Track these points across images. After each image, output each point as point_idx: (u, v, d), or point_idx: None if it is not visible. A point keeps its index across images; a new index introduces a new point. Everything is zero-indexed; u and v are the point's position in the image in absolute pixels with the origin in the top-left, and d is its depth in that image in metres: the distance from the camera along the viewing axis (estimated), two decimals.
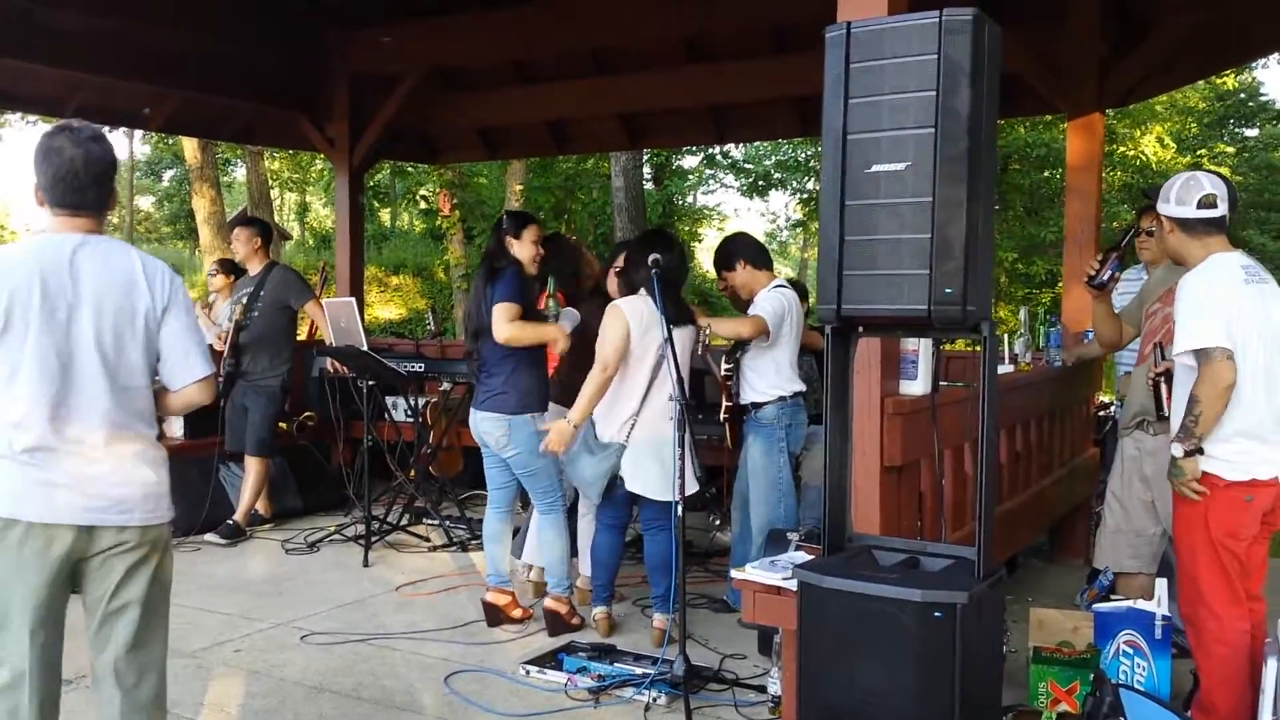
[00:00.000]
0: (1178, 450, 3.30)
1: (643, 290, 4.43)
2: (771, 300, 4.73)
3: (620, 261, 4.86)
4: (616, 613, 4.87)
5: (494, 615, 4.75)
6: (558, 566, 4.70)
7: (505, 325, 4.47)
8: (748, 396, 4.80)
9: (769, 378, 4.73)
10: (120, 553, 2.69)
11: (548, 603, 4.68)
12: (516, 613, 4.78)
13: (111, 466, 2.66)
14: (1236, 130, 25.59)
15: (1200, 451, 3.27)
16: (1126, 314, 4.55)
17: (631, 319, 4.38)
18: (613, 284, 4.98)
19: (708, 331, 4.61)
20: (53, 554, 2.60)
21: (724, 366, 4.97)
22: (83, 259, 2.66)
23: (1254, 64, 22.73)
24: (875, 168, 2.77)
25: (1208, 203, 3.32)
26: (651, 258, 4.30)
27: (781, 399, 4.71)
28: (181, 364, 2.77)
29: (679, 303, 4.50)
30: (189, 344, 2.78)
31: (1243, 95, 25.05)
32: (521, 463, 4.64)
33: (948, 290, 2.66)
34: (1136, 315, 4.43)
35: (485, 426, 4.64)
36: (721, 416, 5.06)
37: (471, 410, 4.74)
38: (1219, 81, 23.08)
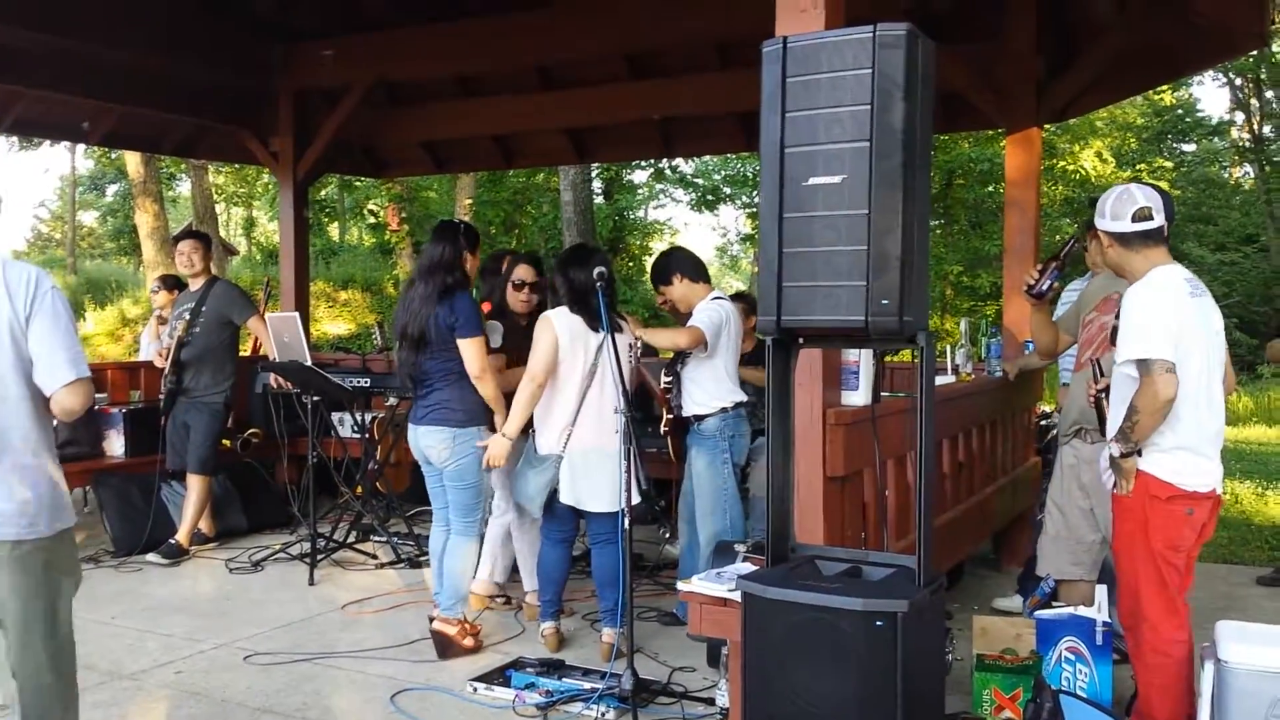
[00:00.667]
0: (1115, 450, 3.35)
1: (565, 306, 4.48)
2: (709, 311, 4.76)
3: (520, 274, 5.09)
4: (565, 627, 4.85)
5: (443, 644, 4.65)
6: (459, 589, 4.63)
7: (480, 363, 4.50)
8: (689, 409, 4.82)
9: (709, 389, 4.75)
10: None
11: (437, 624, 4.59)
12: (468, 642, 4.68)
13: None
14: (1174, 145, 26.16)
15: (1138, 454, 3.33)
16: (1063, 321, 4.62)
17: (560, 331, 4.40)
18: (513, 298, 5.06)
19: (638, 345, 4.67)
20: None
21: (663, 379, 4.99)
22: None
23: (1190, 81, 23.33)
24: (812, 180, 2.80)
25: (1143, 216, 3.36)
26: (597, 270, 4.30)
27: (724, 410, 4.73)
28: (47, 369, 2.74)
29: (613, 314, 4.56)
30: (54, 348, 2.74)
31: (1180, 111, 25.63)
32: (458, 476, 4.58)
33: (884, 301, 2.69)
34: (1073, 323, 4.51)
35: (428, 440, 4.56)
36: (662, 429, 5.07)
37: (410, 426, 4.65)
38: (1157, 98, 23.62)
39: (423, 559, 6.04)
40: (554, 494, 4.48)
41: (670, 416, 4.96)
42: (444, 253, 4.55)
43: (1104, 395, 3.61)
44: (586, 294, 4.38)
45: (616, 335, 4.36)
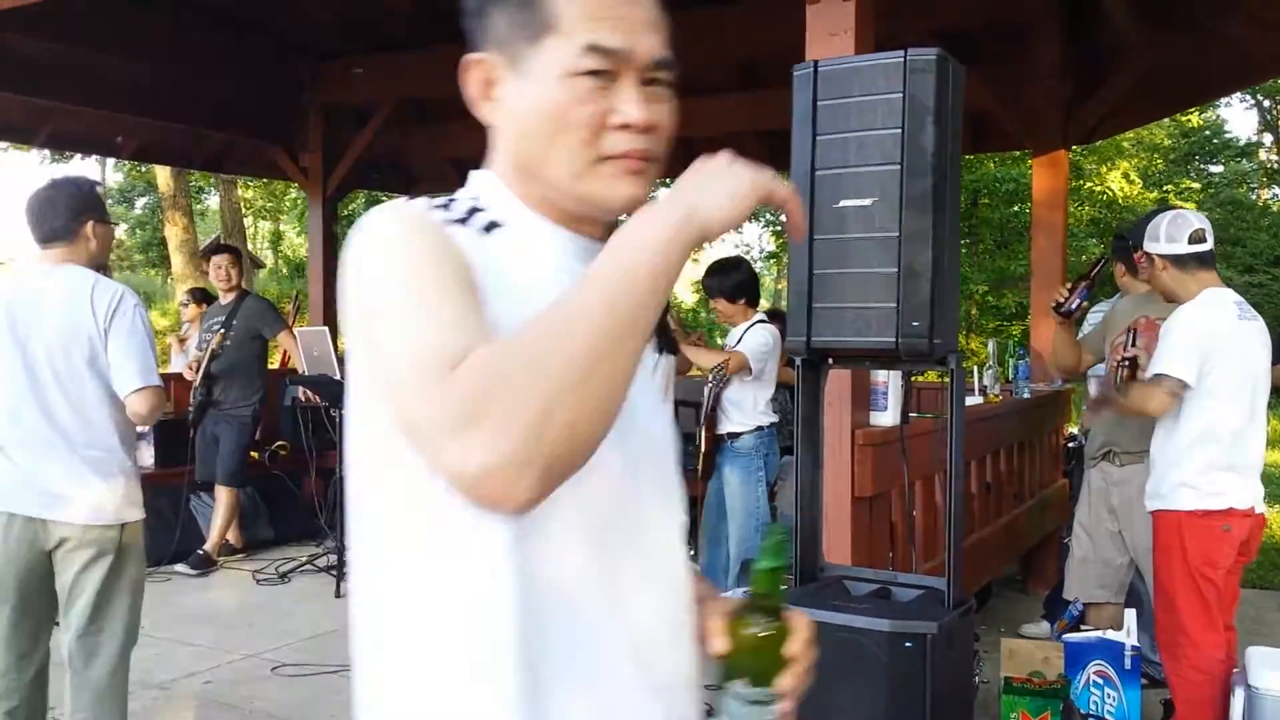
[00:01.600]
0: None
1: None
2: (758, 338, 4.84)
3: None
4: None
5: None
6: None
7: None
8: (725, 427, 4.87)
9: (748, 410, 4.81)
10: (74, 548, 3.05)
11: None
12: None
13: (64, 469, 3.03)
14: (1201, 167, 26.01)
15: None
16: (1088, 341, 4.61)
17: None
18: None
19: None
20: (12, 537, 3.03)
21: (707, 400, 5.05)
22: (46, 287, 3.12)
23: (1217, 102, 23.21)
24: (842, 203, 2.81)
25: (1197, 238, 3.39)
26: None
27: (759, 429, 4.78)
28: (120, 376, 3.09)
29: (665, 330, 4.57)
30: (127, 357, 3.09)
31: (1207, 133, 25.49)
32: None
33: (915, 323, 2.70)
34: (1098, 343, 4.50)
35: None
36: (703, 448, 5.11)
37: None
38: (1184, 119, 23.49)
39: None
40: None
41: (709, 434, 5.02)
42: None
43: (1128, 362, 3.63)
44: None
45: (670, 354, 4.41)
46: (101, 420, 3.11)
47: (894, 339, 2.73)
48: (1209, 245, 3.42)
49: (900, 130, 2.70)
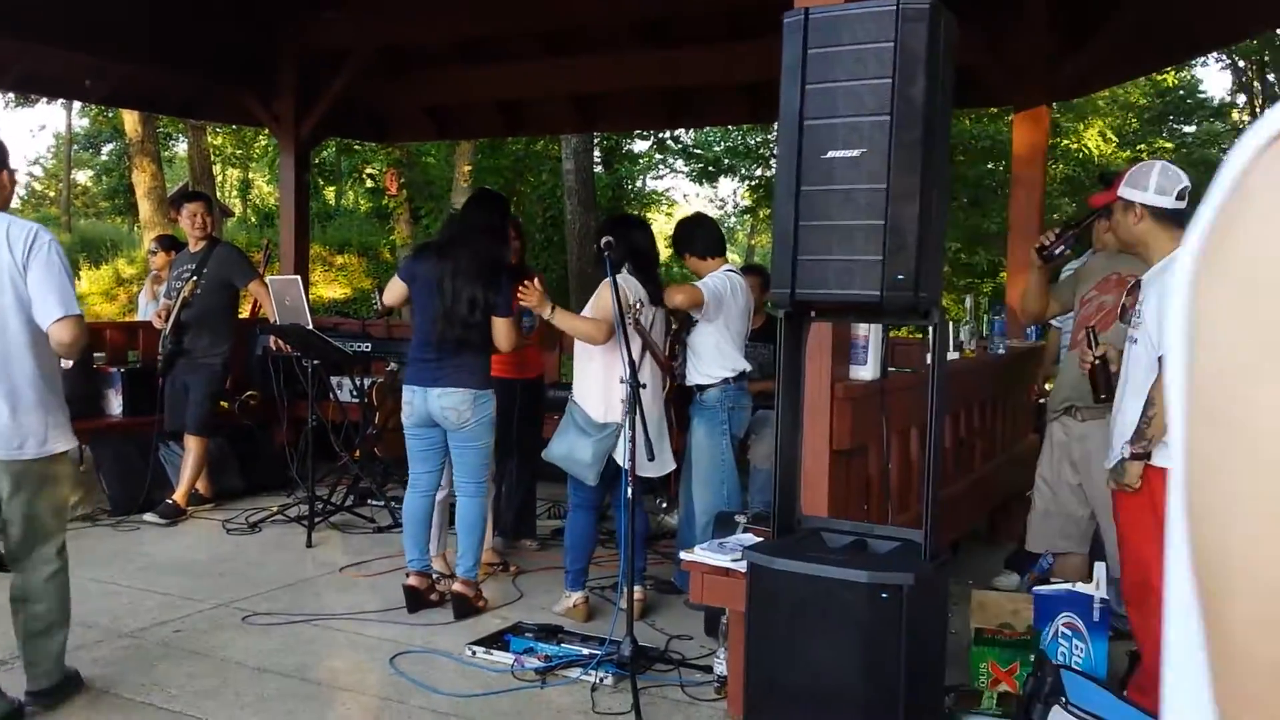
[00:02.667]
0: (1127, 452, 3.31)
1: (626, 268, 4.49)
2: (713, 278, 4.75)
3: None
4: (561, 594, 4.90)
5: (416, 599, 4.71)
6: (475, 549, 4.68)
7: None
8: (692, 379, 4.82)
9: (712, 359, 4.74)
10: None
11: (457, 586, 4.65)
12: (434, 596, 4.76)
13: None
14: (1175, 126, 26.09)
15: (1148, 456, 3.27)
16: (1057, 291, 4.60)
17: (629, 296, 4.40)
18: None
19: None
20: None
21: (669, 346, 5.00)
22: None
23: (1193, 62, 23.24)
24: (830, 154, 2.78)
25: (1184, 195, 3.33)
26: (604, 240, 4.31)
27: (725, 380, 4.72)
28: (41, 308, 3.27)
29: (656, 282, 4.64)
30: (47, 290, 3.27)
31: (1182, 92, 25.55)
32: (475, 435, 4.61)
33: (900, 276, 2.69)
34: (1067, 295, 4.50)
35: (448, 401, 4.55)
36: (665, 396, 5.07)
37: (417, 388, 4.62)
38: (1159, 78, 23.51)
39: None
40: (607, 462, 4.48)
41: (673, 385, 4.96)
42: (498, 220, 4.64)
43: (1099, 364, 3.61)
44: (649, 260, 4.58)
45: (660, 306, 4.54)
46: (23, 356, 3.29)
47: (879, 292, 2.71)
48: (1187, 205, 3.39)
49: (891, 80, 2.67)
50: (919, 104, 2.68)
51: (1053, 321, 5.26)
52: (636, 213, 24.60)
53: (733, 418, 4.78)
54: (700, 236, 4.96)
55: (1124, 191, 3.41)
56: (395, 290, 4.81)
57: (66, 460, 3.53)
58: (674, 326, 4.96)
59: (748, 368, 4.81)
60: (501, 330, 4.58)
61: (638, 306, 4.43)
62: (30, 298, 3.26)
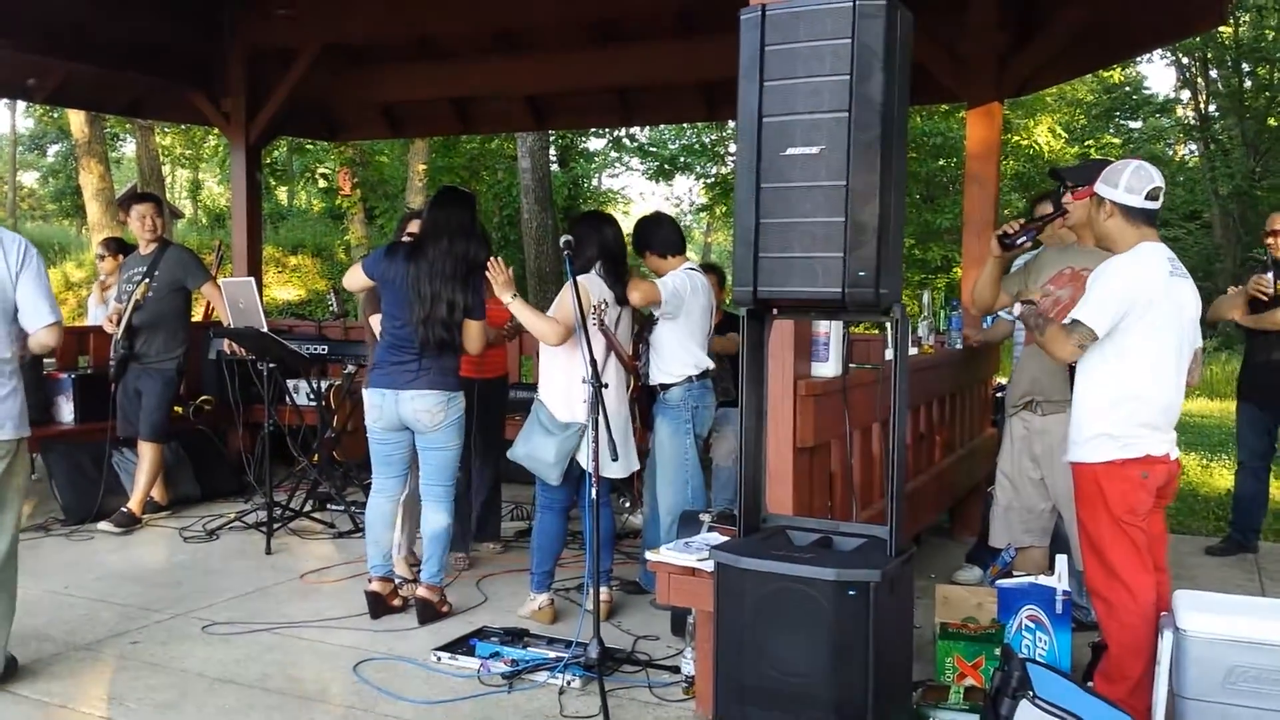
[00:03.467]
0: (1018, 310, 3.81)
1: (596, 269, 4.49)
2: (672, 276, 4.74)
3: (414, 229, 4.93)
4: (526, 597, 4.87)
5: (379, 605, 4.66)
6: (440, 556, 4.63)
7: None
8: (655, 377, 4.81)
9: (676, 356, 4.72)
10: None
11: (421, 591, 4.60)
12: (397, 601, 4.71)
13: None
14: (1122, 122, 26.51)
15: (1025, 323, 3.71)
16: (1007, 283, 4.64)
17: (593, 298, 4.39)
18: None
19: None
20: None
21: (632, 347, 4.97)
22: None
23: (1138, 59, 23.62)
24: (790, 151, 2.79)
25: (1154, 195, 3.40)
26: (564, 239, 4.29)
27: (689, 379, 4.71)
28: (33, 313, 3.76)
29: (623, 281, 4.60)
30: (38, 298, 3.77)
31: (1127, 89, 25.97)
32: (446, 439, 4.55)
33: (861, 273, 2.70)
34: (1016, 287, 4.54)
35: (421, 404, 4.48)
36: (629, 395, 5.05)
37: (386, 391, 4.53)
38: (1106, 75, 23.89)
39: None
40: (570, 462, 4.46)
41: (637, 384, 4.94)
42: (470, 220, 4.56)
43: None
44: (618, 260, 4.56)
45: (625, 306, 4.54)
46: (4, 352, 3.75)
47: (840, 289, 2.72)
48: (1159, 205, 3.44)
49: (849, 77, 2.68)
50: (877, 101, 2.69)
51: (1002, 313, 5.30)
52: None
53: (697, 416, 4.77)
54: (660, 235, 4.93)
55: (1098, 188, 3.48)
56: (356, 279, 4.68)
57: (25, 445, 3.94)
58: (637, 326, 4.94)
59: (711, 365, 4.80)
60: (474, 333, 4.54)
61: (602, 306, 4.41)
62: (17, 302, 3.74)
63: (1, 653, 3.82)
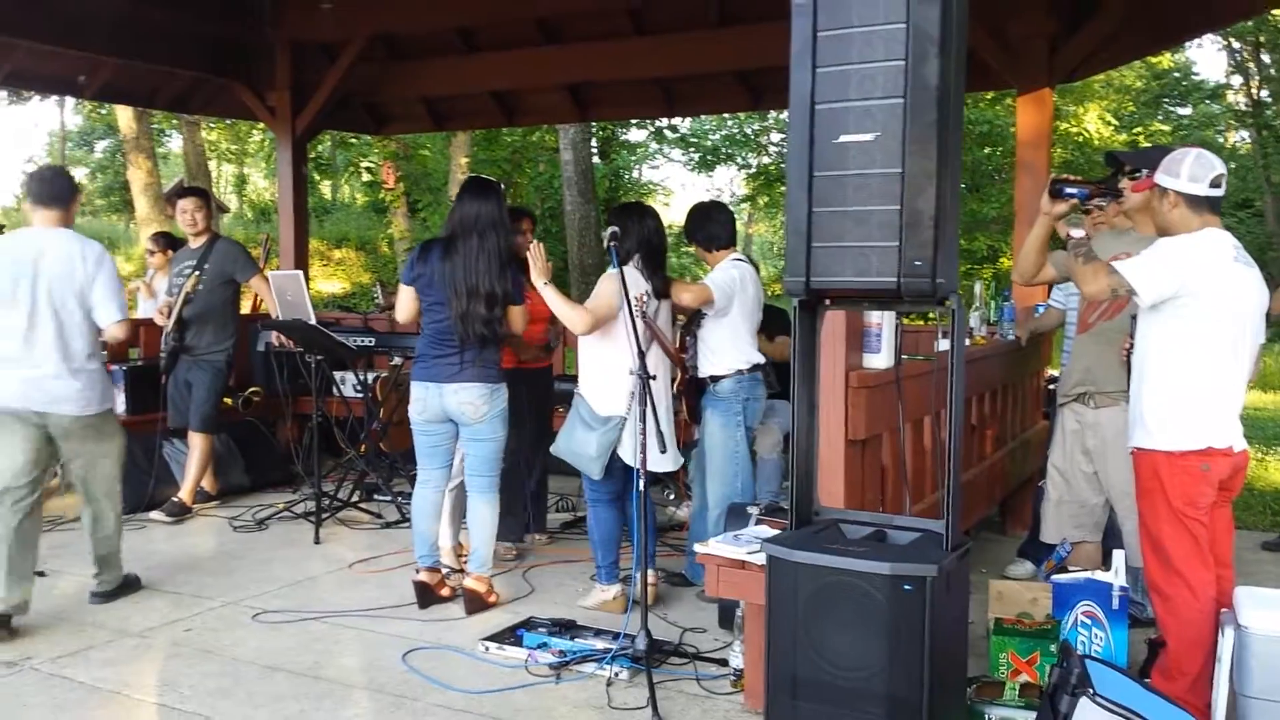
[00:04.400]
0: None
1: (634, 261, 4.46)
2: (722, 271, 4.72)
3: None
4: (576, 588, 4.87)
5: (426, 595, 4.67)
6: (486, 545, 4.65)
7: (522, 326, 4.68)
8: (705, 370, 4.78)
9: (726, 350, 4.70)
10: (68, 432, 4.48)
11: (468, 582, 4.62)
12: (445, 591, 4.73)
13: (61, 378, 4.40)
14: (1171, 109, 26.04)
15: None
16: (1054, 258, 4.53)
17: (631, 290, 4.33)
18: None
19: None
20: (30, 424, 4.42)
21: (681, 338, 4.95)
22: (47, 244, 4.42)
23: (1188, 44, 23.18)
24: (843, 138, 2.74)
25: (1217, 183, 3.33)
26: (609, 231, 4.27)
27: (739, 372, 4.69)
28: (105, 311, 4.46)
29: (662, 276, 4.59)
30: (109, 297, 4.46)
31: (1177, 74, 25.50)
32: (490, 430, 4.57)
33: (917, 262, 2.65)
34: (1064, 265, 4.44)
35: (464, 396, 4.50)
36: (675, 389, 5.03)
37: (430, 384, 4.55)
38: (1154, 61, 23.47)
39: None
40: (612, 455, 4.46)
41: (684, 377, 4.92)
42: (496, 211, 4.53)
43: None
44: (657, 252, 4.53)
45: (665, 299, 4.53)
46: (83, 343, 4.43)
47: (895, 278, 2.67)
48: (1223, 191, 3.36)
49: (904, 61, 2.63)
50: (933, 85, 2.64)
51: (1054, 302, 5.20)
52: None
53: (747, 409, 4.75)
54: (710, 227, 4.89)
55: (1159, 178, 3.39)
56: (405, 302, 4.66)
57: (113, 415, 4.74)
58: (679, 318, 4.92)
59: (761, 359, 4.78)
60: (515, 317, 4.60)
61: (643, 299, 4.39)
62: (93, 301, 4.42)
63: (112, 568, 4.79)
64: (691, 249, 5.08)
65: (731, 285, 4.66)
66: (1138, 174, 3.94)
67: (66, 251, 4.38)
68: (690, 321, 4.91)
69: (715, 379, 4.73)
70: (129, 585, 4.87)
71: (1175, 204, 3.35)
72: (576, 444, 4.47)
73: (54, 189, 4.50)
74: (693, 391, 4.92)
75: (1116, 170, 4.30)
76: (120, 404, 6.87)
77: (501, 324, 4.52)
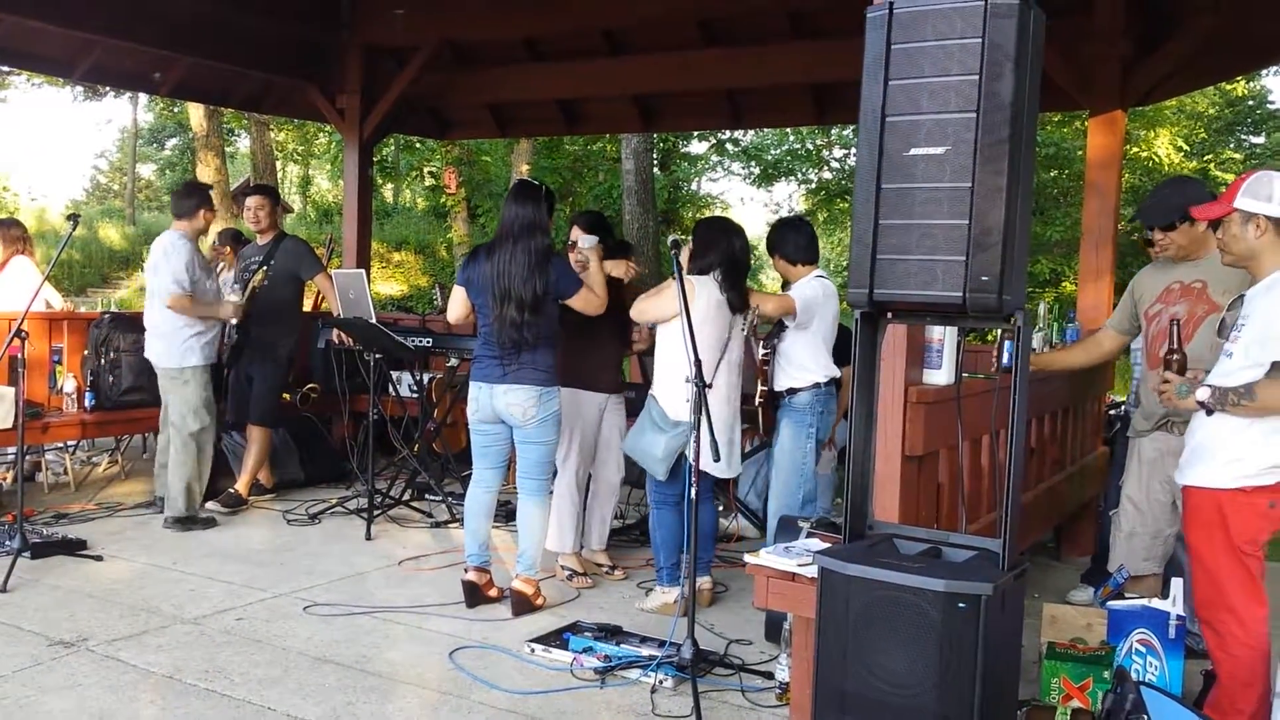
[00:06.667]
0: (1203, 395, 3.20)
1: (714, 274, 4.57)
2: (806, 285, 4.81)
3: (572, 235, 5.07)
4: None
5: (474, 594, 4.71)
6: (534, 547, 4.68)
7: (591, 304, 4.73)
8: (783, 382, 4.85)
9: (805, 363, 4.77)
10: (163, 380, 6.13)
11: (516, 583, 4.65)
12: (493, 591, 4.76)
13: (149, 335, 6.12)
14: (1243, 137, 25.51)
15: (1208, 410, 3.21)
16: (1115, 322, 4.52)
17: (699, 296, 4.47)
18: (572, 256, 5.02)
19: (756, 310, 4.75)
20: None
21: (761, 351, 5.01)
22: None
23: (1265, 71, 22.69)
24: (913, 151, 2.72)
25: None
26: (672, 239, 4.29)
27: (816, 385, 4.74)
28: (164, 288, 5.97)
29: (740, 290, 4.65)
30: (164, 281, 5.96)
31: (1251, 102, 24.96)
32: (540, 434, 4.61)
33: (984, 278, 2.61)
34: (1125, 320, 4.41)
35: (513, 398, 4.55)
36: (756, 400, 5.05)
37: (483, 385, 4.62)
38: (1229, 88, 23.02)
39: None
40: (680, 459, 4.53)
41: (764, 389, 4.97)
42: (534, 214, 4.58)
43: (1172, 358, 3.45)
44: (740, 271, 4.64)
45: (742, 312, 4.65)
46: (159, 315, 6.00)
47: (961, 293, 2.64)
48: None
49: (978, 77, 2.60)
50: (1006, 102, 2.61)
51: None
52: (690, 214, 24.56)
53: (821, 422, 4.80)
54: (796, 241, 4.96)
55: (1242, 203, 3.26)
56: (455, 303, 4.78)
57: (196, 372, 6.03)
58: (751, 326, 4.96)
59: (838, 374, 4.80)
60: (578, 303, 4.66)
61: (754, 313, 4.69)
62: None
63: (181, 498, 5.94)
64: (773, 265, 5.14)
65: (815, 299, 4.72)
66: (1173, 225, 3.93)
67: (159, 244, 6.06)
68: (772, 334, 4.97)
69: (792, 391, 4.80)
70: (185, 522, 5.94)
71: (1264, 230, 3.22)
72: (645, 444, 4.57)
73: (174, 203, 6.25)
74: (770, 404, 4.97)
75: (1148, 228, 4.28)
76: None
77: (543, 328, 4.55)
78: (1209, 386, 3.23)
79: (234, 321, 6.44)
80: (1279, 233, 3.21)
